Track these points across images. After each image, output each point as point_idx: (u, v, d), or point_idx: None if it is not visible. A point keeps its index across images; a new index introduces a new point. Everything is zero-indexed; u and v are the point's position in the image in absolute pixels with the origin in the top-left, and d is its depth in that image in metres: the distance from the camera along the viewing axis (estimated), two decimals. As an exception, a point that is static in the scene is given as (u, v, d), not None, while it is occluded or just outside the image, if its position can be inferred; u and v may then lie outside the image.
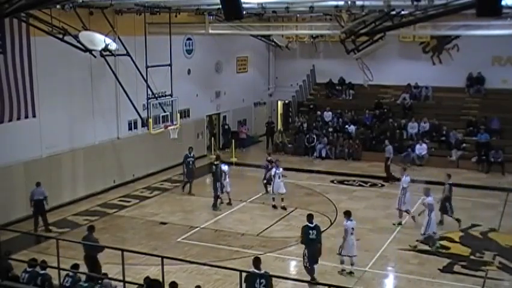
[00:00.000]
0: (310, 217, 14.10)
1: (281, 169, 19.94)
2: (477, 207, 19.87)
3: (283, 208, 19.46)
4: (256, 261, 10.96)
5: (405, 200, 17.95)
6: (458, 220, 17.66)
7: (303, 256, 13.90)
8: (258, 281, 10.48)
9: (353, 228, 14.26)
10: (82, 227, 17.82)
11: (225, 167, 20.04)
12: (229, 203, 20.01)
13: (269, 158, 21.50)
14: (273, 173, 19.73)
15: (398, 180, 19.81)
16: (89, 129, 20.92)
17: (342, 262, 14.43)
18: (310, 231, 13.83)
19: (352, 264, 14.36)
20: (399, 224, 17.88)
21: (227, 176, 20.00)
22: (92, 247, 13.11)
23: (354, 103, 29.91)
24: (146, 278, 11.20)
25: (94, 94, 20.97)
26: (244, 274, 10.33)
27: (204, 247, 16.29)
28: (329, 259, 15.29)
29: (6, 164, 17.83)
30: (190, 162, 21.37)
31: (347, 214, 14.47)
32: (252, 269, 10.79)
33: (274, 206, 19.66)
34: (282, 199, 19.66)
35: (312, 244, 13.76)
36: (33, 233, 16.81)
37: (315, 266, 13.76)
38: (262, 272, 10.78)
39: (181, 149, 23.74)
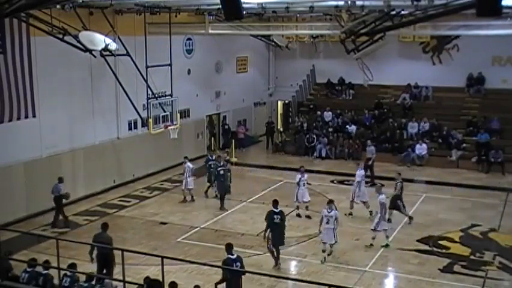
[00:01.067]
0: (275, 203, 14.98)
1: (306, 175, 19.12)
2: (477, 207, 19.88)
3: (308, 217, 18.59)
4: (228, 247, 12.06)
5: (360, 192, 18.85)
6: (410, 218, 17.98)
7: (268, 239, 14.66)
8: (234, 264, 11.78)
9: (335, 218, 15.10)
10: (82, 227, 17.88)
11: (189, 164, 20.31)
12: (192, 200, 20.45)
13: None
14: (297, 180, 18.81)
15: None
16: (89, 129, 20.93)
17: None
18: (275, 216, 14.68)
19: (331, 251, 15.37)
20: (350, 214, 18.55)
21: (190, 173, 20.21)
22: (106, 243, 13.01)
23: (354, 103, 29.92)
24: (146, 278, 11.20)
25: (94, 94, 20.97)
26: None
27: (204, 247, 16.30)
28: (329, 259, 15.33)
29: (6, 164, 17.83)
30: (212, 166, 20.71)
31: (330, 203, 15.40)
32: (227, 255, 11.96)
33: (298, 215, 18.79)
34: (307, 207, 18.78)
35: (276, 228, 14.60)
36: (33, 233, 16.80)
37: (280, 249, 14.78)
38: (235, 256, 11.92)
39: (181, 149, 23.80)
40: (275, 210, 14.81)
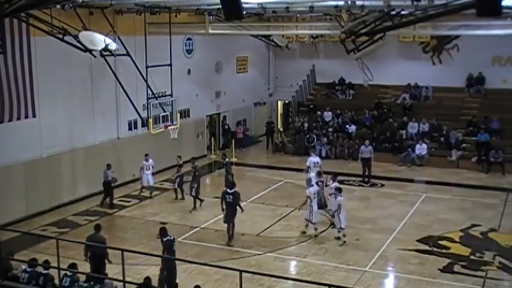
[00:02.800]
0: (230, 184, 17.33)
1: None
2: (477, 207, 19.88)
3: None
4: (162, 230, 13.31)
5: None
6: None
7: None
8: (173, 244, 13.09)
9: (314, 194, 16.71)
10: (82, 227, 17.86)
11: (150, 161, 20.83)
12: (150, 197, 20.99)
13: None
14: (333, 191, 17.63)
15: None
16: (89, 129, 20.93)
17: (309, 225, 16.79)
18: (227, 196, 16.46)
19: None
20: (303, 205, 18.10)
21: (148, 169, 20.82)
22: (98, 246, 13.08)
23: (354, 103, 29.91)
24: (146, 278, 11.21)
25: (94, 94, 20.97)
26: (244, 274, 10.33)
27: (204, 247, 16.29)
28: (329, 259, 15.34)
29: (6, 164, 17.83)
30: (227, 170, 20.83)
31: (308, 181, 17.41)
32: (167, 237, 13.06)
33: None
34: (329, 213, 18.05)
35: (228, 207, 16.49)
36: (33, 233, 16.80)
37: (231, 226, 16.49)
38: (171, 237, 13.17)
39: (181, 149, 23.80)
40: (229, 190, 16.56)
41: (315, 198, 16.84)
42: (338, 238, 16.63)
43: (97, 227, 13.74)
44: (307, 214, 16.86)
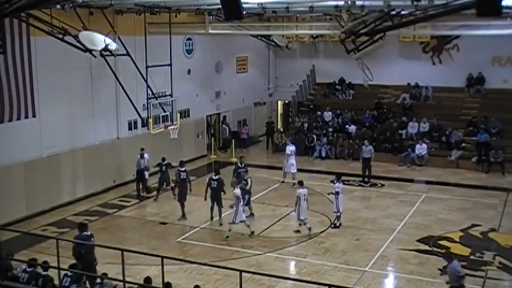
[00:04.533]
0: (215, 171, 18.84)
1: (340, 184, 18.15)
2: (477, 207, 19.88)
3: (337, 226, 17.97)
4: (82, 226, 13.53)
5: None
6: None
7: None
8: (90, 240, 13.17)
9: (305, 195, 17.06)
10: (82, 227, 17.83)
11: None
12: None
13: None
14: (337, 189, 17.82)
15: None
16: (89, 129, 20.92)
17: (300, 225, 17.19)
18: (212, 181, 17.93)
19: (305, 224, 17.11)
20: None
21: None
22: (81, 244, 13.02)
23: (354, 103, 29.91)
24: (147, 278, 11.20)
25: (94, 94, 20.96)
26: (244, 274, 10.33)
27: (204, 247, 16.30)
28: (329, 259, 15.34)
29: (6, 164, 17.82)
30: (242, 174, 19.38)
31: (300, 183, 17.50)
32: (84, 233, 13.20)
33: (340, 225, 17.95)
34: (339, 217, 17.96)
35: (213, 192, 17.93)
36: (33, 233, 16.80)
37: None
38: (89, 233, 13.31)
39: (181, 149, 23.81)
40: (214, 177, 18.08)
41: (304, 200, 17.10)
42: (298, 231, 17.25)
43: (81, 226, 13.54)
44: (296, 213, 17.25)
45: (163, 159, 20.88)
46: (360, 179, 23.34)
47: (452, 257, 12.85)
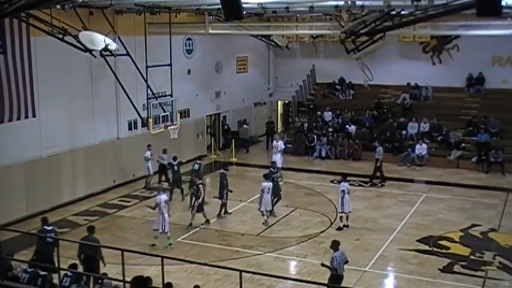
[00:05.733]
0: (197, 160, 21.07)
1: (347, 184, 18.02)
2: (477, 207, 19.88)
3: (346, 226, 17.74)
4: (44, 220, 13.91)
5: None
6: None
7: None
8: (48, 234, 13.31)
9: (269, 188, 17.75)
10: (82, 227, 17.81)
11: (147, 152, 21.70)
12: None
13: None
14: (342, 188, 17.58)
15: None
16: (89, 129, 20.92)
17: (263, 215, 17.91)
18: (174, 163, 20.08)
19: (263, 215, 17.89)
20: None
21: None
22: (92, 247, 13.09)
23: (354, 103, 29.90)
24: (147, 278, 11.17)
25: (94, 94, 20.96)
26: (244, 274, 10.33)
27: (204, 247, 16.29)
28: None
29: (6, 164, 17.83)
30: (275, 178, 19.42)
31: (265, 176, 18.17)
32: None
33: (346, 226, 17.74)
34: (347, 217, 17.84)
35: (175, 173, 19.93)
36: (33, 233, 16.78)
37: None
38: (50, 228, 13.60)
39: (181, 149, 23.79)
40: (197, 163, 20.24)
41: (268, 193, 17.85)
42: (265, 222, 17.84)
43: (90, 229, 13.65)
44: (259, 204, 17.96)
45: (174, 158, 20.81)
46: (361, 179, 23.27)
47: (338, 246, 12.64)
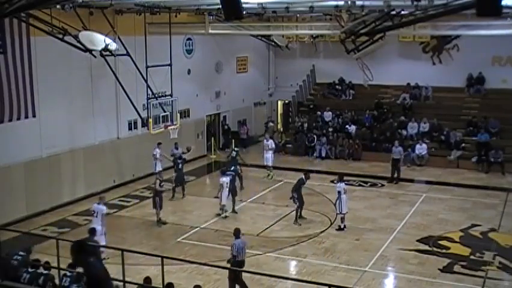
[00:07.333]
0: (187, 148, 21.93)
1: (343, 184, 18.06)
2: (477, 207, 19.88)
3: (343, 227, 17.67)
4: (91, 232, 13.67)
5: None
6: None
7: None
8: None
9: (227, 183, 18.71)
10: (82, 227, 17.84)
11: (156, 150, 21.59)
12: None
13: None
14: (338, 189, 17.70)
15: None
16: (89, 129, 20.93)
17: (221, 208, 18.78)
18: (179, 161, 20.88)
19: (221, 209, 18.83)
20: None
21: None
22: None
23: (354, 103, 29.90)
24: (147, 278, 11.20)
25: (94, 94, 20.96)
26: (244, 274, 10.34)
27: (204, 247, 16.30)
28: (329, 259, 15.34)
29: (6, 164, 17.83)
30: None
31: (222, 172, 19.47)
32: None
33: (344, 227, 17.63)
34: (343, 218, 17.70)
35: (179, 171, 20.87)
36: (33, 233, 16.79)
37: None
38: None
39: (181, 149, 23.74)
40: (182, 155, 21.23)
41: (227, 187, 18.78)
42: (219, 215, 18.74)
43: (91, 231, 13.67)
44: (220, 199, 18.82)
45: (179, 156, 21.14)
46: (362, 179, 23.26)
47: (239, 234, 13.33)
